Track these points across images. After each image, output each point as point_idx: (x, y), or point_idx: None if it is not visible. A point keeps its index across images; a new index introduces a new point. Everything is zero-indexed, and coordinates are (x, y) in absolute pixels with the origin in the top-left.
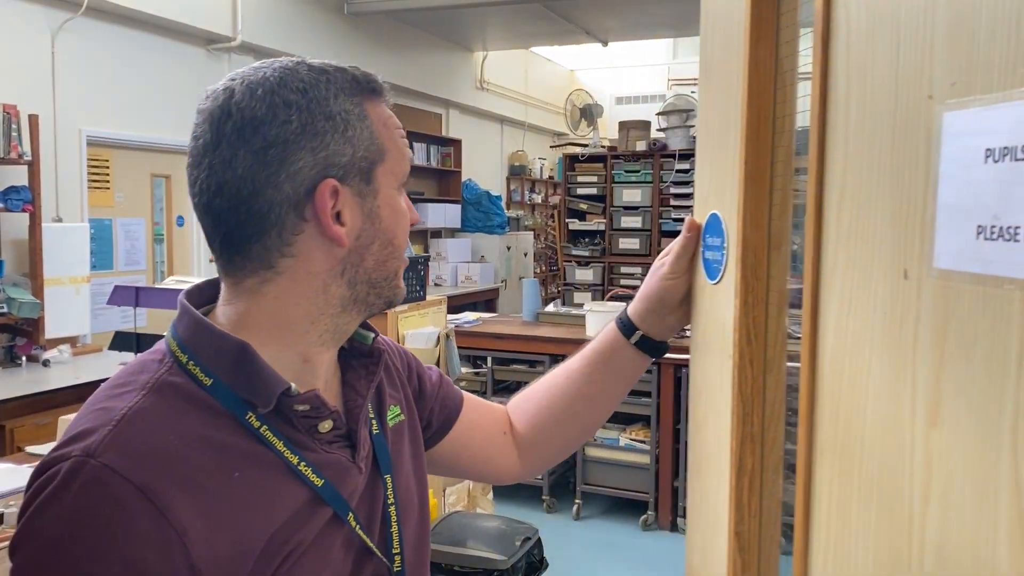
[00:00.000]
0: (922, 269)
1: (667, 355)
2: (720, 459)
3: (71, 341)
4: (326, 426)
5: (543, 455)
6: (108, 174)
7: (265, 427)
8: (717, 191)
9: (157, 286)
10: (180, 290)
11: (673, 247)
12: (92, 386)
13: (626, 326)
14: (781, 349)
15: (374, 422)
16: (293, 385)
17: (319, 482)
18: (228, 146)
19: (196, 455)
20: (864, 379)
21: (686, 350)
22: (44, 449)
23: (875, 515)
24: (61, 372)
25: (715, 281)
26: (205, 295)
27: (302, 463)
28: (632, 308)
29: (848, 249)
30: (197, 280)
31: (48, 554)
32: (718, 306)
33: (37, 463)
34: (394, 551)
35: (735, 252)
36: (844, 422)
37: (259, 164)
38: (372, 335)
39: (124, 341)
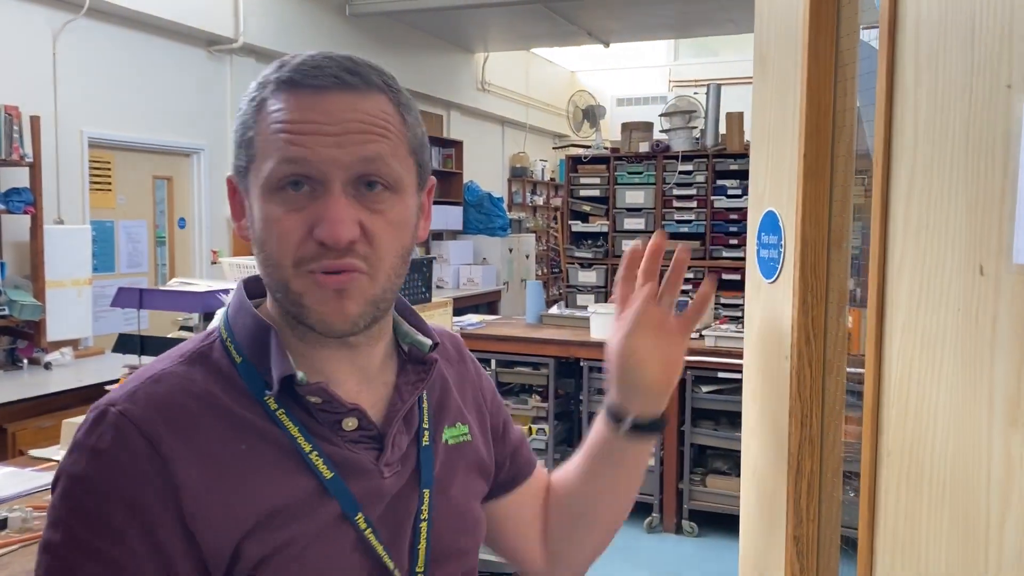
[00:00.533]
0: (1000, 265)
1: None
2: (777, 462)
3: (73, 344)
4: (350, 424)
5: (566, 557)
6: (110, 176)
7: (282, 411)
8: (773, 188)
9: (161, 288)
10: (184, 292)
11: (626, 318)
12: (94, 388)
13: (614, 415)
14: (841, 349)
15: (427, 433)
16: (300, 374)
17: (328, 474)
18: None
19: (209, 420)
20: (935, 378)
21: (693, 351)
22: (47, 452)
23: (947, 520)
24: (62, 375)
25: (771, 280)
26: None
27: (314, 452)
28: (609, 397)
29: (917, 245)
30: (201, 282)
31: (67, 489)
32: (774, 306)
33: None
34: (418, 569)
35: (793, 250)
36: (913, 422)
37: None
38: (430, 343)
39: (128, 343)
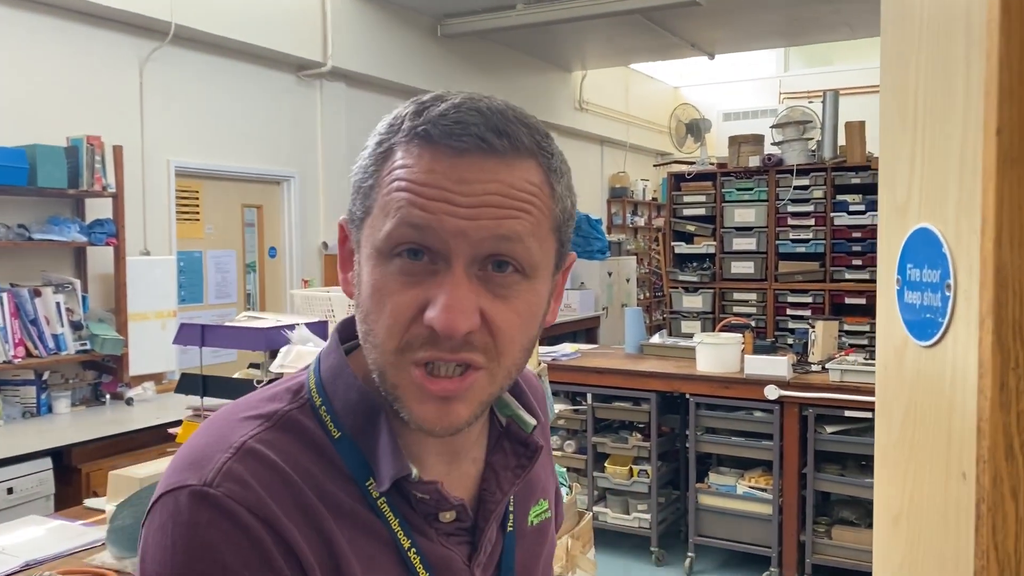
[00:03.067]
0: None
1: (791, 393)
2: None
3: (156, 378)
4: (448, 516)
5: None
6: (197, 205)
7: (383, 500)
8: (929, 192)
9: (226, 323)
10: (246, 328)
11: None
12: (174, 426)
13: None
14: None
15: (511, 516)
16: (415, 471)
17: (424, 575)
18: None
19: (312, 502)
20: None
21: (815, 387)
22: (99, 503)
23: None
24: (144, 411)
25: (929, 342)
26: None
27: (412, 550)
28: None
29: None
30: (269, 317)
31: None
32: (936, 386)
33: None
34: None
35: (976, 294)
36: None
37: None
38: (534, 423)
39: (190, 384)
